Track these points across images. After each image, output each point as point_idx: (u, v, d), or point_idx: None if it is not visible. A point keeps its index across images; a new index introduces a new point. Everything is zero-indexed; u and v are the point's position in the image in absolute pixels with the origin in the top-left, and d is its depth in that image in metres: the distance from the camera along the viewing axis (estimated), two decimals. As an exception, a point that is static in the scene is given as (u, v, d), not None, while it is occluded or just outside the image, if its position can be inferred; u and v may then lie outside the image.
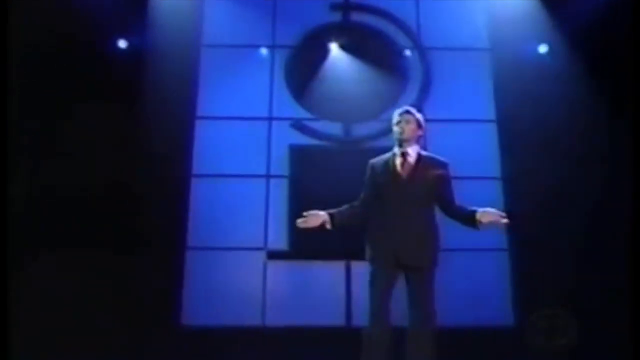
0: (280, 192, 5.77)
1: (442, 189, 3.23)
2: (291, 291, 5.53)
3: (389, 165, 3.25)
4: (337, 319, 5.46)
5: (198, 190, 5.74)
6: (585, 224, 5.42)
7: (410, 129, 3.25)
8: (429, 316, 3.14)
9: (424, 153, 3.32)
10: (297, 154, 5.84)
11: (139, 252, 5.28)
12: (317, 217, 3.18)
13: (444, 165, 3.28)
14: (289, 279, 5.59)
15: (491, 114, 6.02)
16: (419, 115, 3.34)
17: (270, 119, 5.99)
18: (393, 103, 5.89)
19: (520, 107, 5.84)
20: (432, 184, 3.19)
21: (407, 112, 3.31)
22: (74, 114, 5.44)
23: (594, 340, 4.96)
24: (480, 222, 3.08)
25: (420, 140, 3.36)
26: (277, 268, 5.63)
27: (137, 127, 5.53)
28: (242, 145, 5.84)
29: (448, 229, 5.37)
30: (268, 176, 5.82)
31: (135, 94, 5.58)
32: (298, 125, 5.93)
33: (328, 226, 3.20)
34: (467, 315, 5.32)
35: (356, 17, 6.29)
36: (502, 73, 6.04)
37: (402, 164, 3.22)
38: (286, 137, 5.90)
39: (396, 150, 3.28)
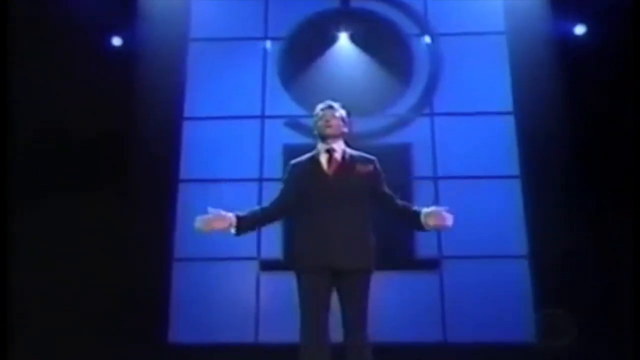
0: (274, 196, 5.36)
1: (372, 185, 3.07)
2: (287, 305, 4.97)
3: (313, 163, 3.11)
4: (338, 335, 5.04)
5: (185, 196, 5.44)
6: (609, 223, 5.00)
7: (336, 123, 3.12)
8: (363, 330, 2.94)
9: (349, 150, 3.17)
10: (292, 154, 5.40)
11: (122, 265, 5.02)
12: (222, 220, 2.95)
13: (371, 161, 3.14)
14: (284, 292, 5.08)
15: (508, 105, 5.60)
16: (343, 111, 3.21)
17: (262, 117, 5.67)
18: (399, 96, 5.72)
19: (541, 98, 5.41)
20: (360, 181, 3.05)
21: (331, 106, 3.18)
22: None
23: (594, 340, 4.72)
24: (427, 224, 2.94)
25: (345, 137, 3.20)
26: (271, 279, 5.29)
27: (119, 130, 5.29)
28: (232, 146, 5.56)
29: (458, 234, 5.16)
30: (261, 179, 5.51)
31: (116, 94, 5.30)
32: (293, 123, 5.59)
33: (232, 230, 2.99)
34: (482, 331, 5.00)
35: (356, 2, 5.92)
36: (520, 59, 5.61)
37: (329, 161, 3.08)
38: (280, 136, 5.57)
39: (320, 147, 3.14)
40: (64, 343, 4.71)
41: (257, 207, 3.13)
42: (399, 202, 3.07)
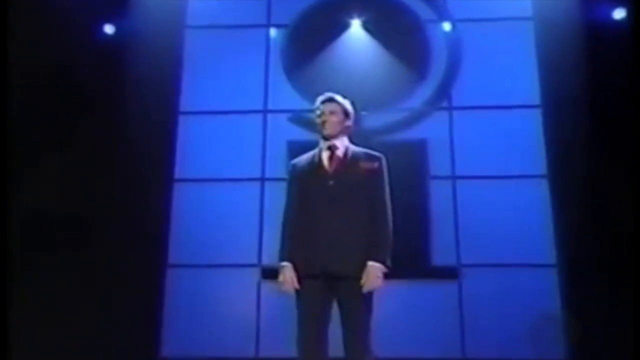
0: (277, 197, 5.02)
1: (368, 185, 2.91)
2: (290, 316, 4.79)
3: (314, 161, 3.01)
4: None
5: (181, 197, 5.29)
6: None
7: (335, 121, 2.98)
8: (362, 344, 2.80)
9: (354, 147, 3.06)
10: (297, 152, 5.17)
11: (111, 272, 4.78)
12: (292, 277, 2.90)
13: (377, 158, 3.01)
14: (287, 302, 4.85)
15: (535, 98, 5.35)
16: (345, 103, 3.05)
17: (265, 111, 5.48)
18: (414, 88, 5.54)
19: (571, 90, 5.12)
20: (364, 179, 2.93)
21: (331, 99, 3.02)
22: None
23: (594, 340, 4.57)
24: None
25: (349, 132, 3.07)
26: (273, 288, 4.88)
27: (111, 127, 5.05)
28: (232, 143, 5.37)
29: (479, 240, 4.97)
30: (263, 179, 5.31)
31: (106, 87, 5.08)
32: (298, 119, 5.36)
33: None
34: (504, 347, 4.72)
35: (368, -15, 5.74)
36: (548, 47, 5.33)
37: (330, 158, 2.98)
38: (284, 132, 5.36)
39: (322, 143, 3.04)
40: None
41: (285, 236, 2.97)
42: (375, 228, 2.84)
